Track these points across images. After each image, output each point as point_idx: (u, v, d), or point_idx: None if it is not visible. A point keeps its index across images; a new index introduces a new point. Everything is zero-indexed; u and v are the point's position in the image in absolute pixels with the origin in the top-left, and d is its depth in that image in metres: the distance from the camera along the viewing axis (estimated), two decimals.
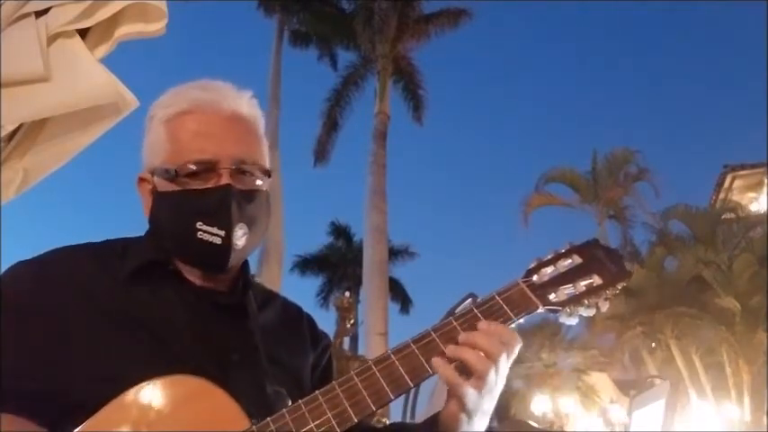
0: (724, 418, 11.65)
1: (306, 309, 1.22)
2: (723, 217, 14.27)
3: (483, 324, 0.96)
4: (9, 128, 1.45)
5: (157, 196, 1.04)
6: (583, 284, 1.02)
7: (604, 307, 1.03)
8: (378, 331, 14.09)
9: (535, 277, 1.02)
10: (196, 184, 1.01)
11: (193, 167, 1.00)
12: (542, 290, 1.01)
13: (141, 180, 1.08)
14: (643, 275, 13.73)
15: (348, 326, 8.87)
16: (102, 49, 1.53)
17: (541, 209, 19.30)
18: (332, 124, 17.49)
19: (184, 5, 14.74)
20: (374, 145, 16.47)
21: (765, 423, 10.86)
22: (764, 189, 18.37)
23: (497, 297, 1.00)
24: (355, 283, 19.83)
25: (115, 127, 1.55)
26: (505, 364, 0.96)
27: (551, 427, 14.12)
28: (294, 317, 1.19)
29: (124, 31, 1.53)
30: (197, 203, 1.00)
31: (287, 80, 18.75)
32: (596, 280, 1.02)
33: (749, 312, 11.91)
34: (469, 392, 0.94)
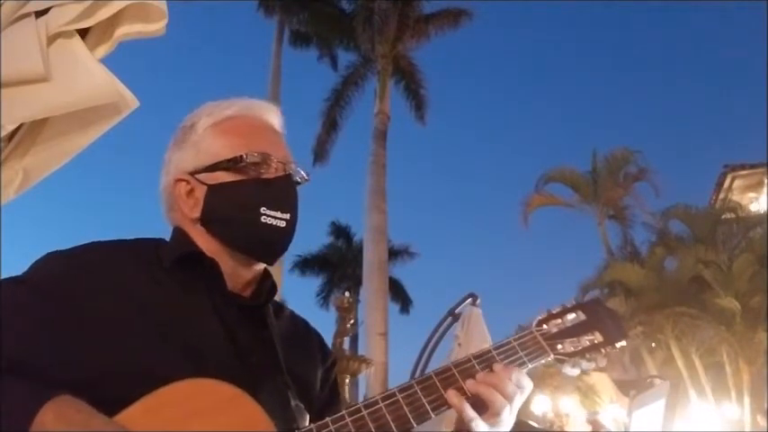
0: (724, 418, 11.65)
1: (306, 309, 1.23)
2: (723, 217, 14.25)
3: (500, 366, 1.04)
4: (9, 128, 1.44)
5: (215, 188, 1.06)
6: (586, 339, 1.12)
7: (603, 362, 1.12)
8: (378, 331, 14.07)
9: (545, 327, 1.12)
10: (254, 176, 1.06)
11: (256, 157, 1.06)
12: (552, 340, 1.11)
13: (177, 182, 1.09)
14: (643, 275, 13.73)
15: (348, 326, 8.87)
16: (102, 49, 1.53)
17: (541, 209, 19.32)
18: (332, 124, 17.46)
19: (184, 5, 14.72)
20: (374, 145, 16.45)
21: (765, 423, 10.85)
22: (764, 189, 18.36)
23: (513, 342, 1.09)
24: (355, 283, 19.81)
25: (115, 127, 1.54)
26: (518, 403, 1.04)
27: (551, 426, 14.11)
28: (303, 330, 1.21)
29: (124, 31, 1.53)
30: (261, 190, 1.05)
31: (287, 80, 18.77)
32: (597, 337, 1.12)
33: (749, 312, 11.91)
34: (482, 426, 1.00)
